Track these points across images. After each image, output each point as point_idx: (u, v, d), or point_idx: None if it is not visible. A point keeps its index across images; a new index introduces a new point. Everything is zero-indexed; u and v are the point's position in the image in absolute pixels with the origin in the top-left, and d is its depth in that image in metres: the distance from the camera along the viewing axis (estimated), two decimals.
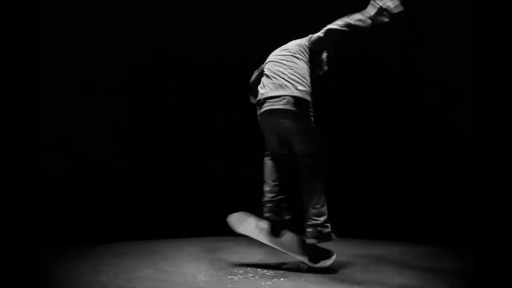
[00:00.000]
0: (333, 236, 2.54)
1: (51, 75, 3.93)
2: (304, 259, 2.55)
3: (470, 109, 3.66)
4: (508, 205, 2.10)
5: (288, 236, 2.71)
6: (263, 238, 2.66)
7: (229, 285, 2.16)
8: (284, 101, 2.52)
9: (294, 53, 2.67)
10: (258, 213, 2.80)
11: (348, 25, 2.51)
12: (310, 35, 2.70)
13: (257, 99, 2.69)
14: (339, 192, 4.44)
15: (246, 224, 2.76)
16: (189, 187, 4.56)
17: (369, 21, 2.51)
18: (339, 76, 4.45)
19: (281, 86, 2.57)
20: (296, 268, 2.57)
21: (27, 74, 2.08)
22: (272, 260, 2.90)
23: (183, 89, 4.64)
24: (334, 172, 4.42)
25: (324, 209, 2.53)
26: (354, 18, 2.52)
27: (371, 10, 2.51)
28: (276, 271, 2.54)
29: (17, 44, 2.06)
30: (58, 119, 4.04)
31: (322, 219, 2.51)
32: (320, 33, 2.64)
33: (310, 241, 2.53)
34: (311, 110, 2.62)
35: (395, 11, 2.49)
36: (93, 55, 4.23)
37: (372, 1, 2.52)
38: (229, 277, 2.35)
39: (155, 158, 4.51)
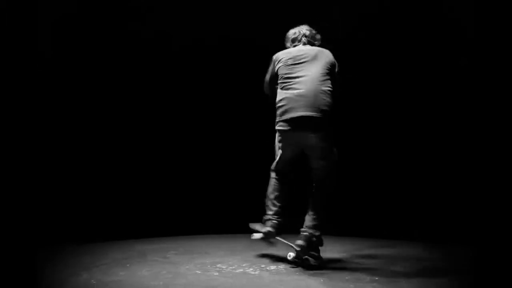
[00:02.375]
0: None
1: (50, 75, 3.93)
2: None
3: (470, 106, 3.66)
4: (508, 205, 2.09)
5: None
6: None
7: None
8: None
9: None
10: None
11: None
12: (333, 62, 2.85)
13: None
14: (339, 190, 4.44)
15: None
16: (189, 185, 4.56)
17: None
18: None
19: None
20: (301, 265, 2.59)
21: (26, 73, 2.08)
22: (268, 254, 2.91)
23: (183, 89, 4.64)
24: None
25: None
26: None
27: None
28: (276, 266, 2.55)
29: (17, 46, 2.06)
30: (56, 118, 4.05)
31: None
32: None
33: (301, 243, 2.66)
34: None
35: None
36: (90, 54, 4.25)
37: None
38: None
39: (155, 156, 4.51)
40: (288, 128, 2.68)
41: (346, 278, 2.33)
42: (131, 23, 4.40)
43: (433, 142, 4.19)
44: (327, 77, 2.73)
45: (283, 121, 2.70)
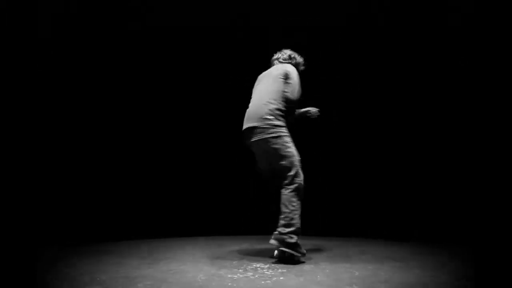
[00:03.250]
0: (298, 253, 2.74)
1: (48, 75, 3.93)
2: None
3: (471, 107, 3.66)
4: (508, 205, 2.09)
5: None
6: None
7: (229, 284, 2.16)
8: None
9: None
10: None
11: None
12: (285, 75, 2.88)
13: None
14: (340, 190, 4.44)
15: None
16: (190, 185, 4.56)
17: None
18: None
19: None
20: (293, 267, 2.58)
21: (26, 73, 2.09)
22: (269, 259, 2.91)
23: (182, 89, 4.65)
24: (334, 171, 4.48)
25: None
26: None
27: None
28: (275, 270, 2.55)
29: (17, 45, 2.07)
30: (57, 118, 4.05)
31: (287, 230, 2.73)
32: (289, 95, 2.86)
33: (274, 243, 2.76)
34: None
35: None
36: (88, 54, 4.26)
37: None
38: (229, 276, 2.36)
39: (154, 155, 4.51)
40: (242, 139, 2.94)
41: (356, 274, 2.33)
42: (131, 23, 4.40)
43: (432, 143, 4.20)
44: (274, 88, 2.85)
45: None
